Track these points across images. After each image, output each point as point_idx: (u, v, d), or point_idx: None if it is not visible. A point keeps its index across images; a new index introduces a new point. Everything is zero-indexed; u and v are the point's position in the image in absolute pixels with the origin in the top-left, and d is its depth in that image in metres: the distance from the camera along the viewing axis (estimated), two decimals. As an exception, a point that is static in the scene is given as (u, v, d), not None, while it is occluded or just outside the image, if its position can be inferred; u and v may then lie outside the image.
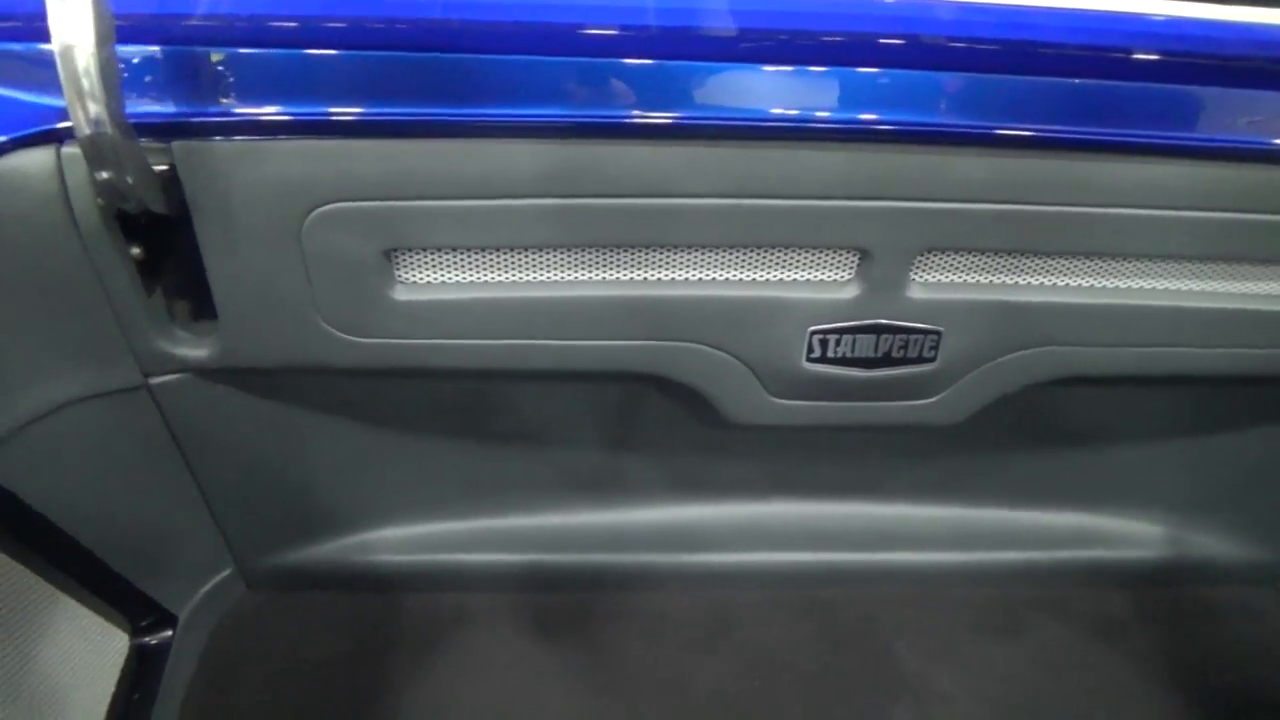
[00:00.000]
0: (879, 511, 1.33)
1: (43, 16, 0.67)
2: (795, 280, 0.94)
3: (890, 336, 0.97)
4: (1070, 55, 0.82)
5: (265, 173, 0.80)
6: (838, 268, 0.93)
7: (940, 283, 0.95)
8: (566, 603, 1.30)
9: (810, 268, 0.93)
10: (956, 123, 0.84)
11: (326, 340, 0.92)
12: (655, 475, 1.26)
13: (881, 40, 0.81)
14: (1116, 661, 1.29)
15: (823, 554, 1.32)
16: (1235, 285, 1.00)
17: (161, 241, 0.89)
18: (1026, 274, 0.96)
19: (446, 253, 0.89)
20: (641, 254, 0.91)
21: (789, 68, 0.81)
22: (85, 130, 0.71)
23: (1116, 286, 0.98)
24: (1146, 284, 0.98)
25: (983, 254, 0.94)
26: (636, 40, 0.79)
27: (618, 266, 0.92)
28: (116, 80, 0.71)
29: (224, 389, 1.01)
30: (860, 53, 0.81)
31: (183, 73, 0.78)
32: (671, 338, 0.96)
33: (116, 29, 0.70)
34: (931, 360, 0.99)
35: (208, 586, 1.22)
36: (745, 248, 0.91)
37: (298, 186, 0.81)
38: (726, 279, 0.93)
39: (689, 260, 0.92)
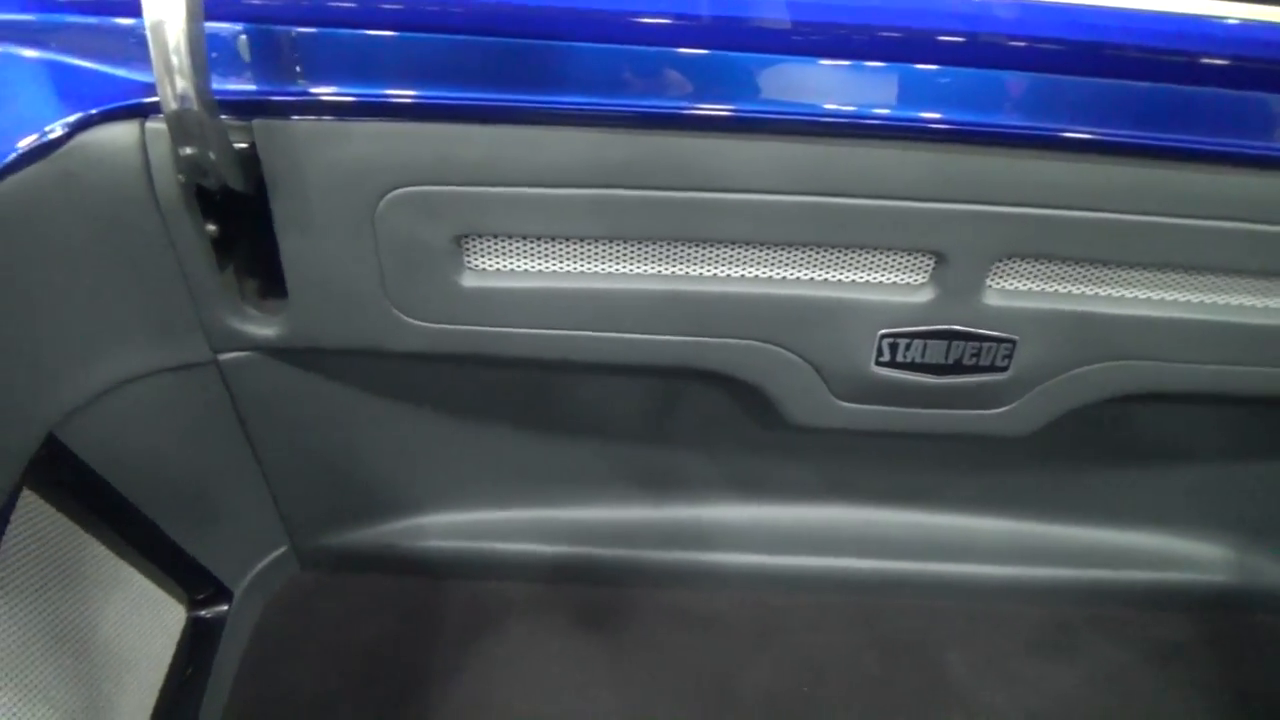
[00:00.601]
0: (935, 521, 1.31)
1: (135, -8, 0.68)
2: (867, 282, 0.92)
3: (962, 343, 0.95)
4: (1158, 59, 0.80)
5: (343, 154, 0.80)
6: (912, 271, 0.91)
7: (1017, 290, 0.93)
8: (613, 597, 1.29)
9: (883, 269, 0.91)
10: (1043, 125, 0.82)
11: (393, 324, 0.92)
12: (709, 473, 1.24)
13: (967, 39, 0.79)
14: (1175, 687, 1.25)
15: (875, 561, 1.30)
16: None
17: (235, 219, 0.90)
18: (1107, 284, 0.93)
19: (516, 240, 0.89)
20: (713, 249, 0.90)
21: (872, 64, 0.80)
22: (172, 105, 0.71)
23: (1200, 301, 0.95)
24: (1231, 299, 0.95)
25: (1063, 262, 0.91)
26: (716, 32, 0.78)
27: (687, 261, 0.90)
28: (204, 57, 0.72)
29: (289, 368, 1.02)
30: (945, 51, 0.79)
31: (267, 51, 0.78)
32: (738, 335, 0.94)
33: (204, 6, 0.71)
34: (1004, 369, 0.96)
35: (263, 563, 1.23)
36: (818, 247, 0.89)
37: (374, 169, 0.81)
38: (797, 278, 0.92)
39: (760, 257, 0.90)
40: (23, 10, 0.78)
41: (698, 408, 1.14)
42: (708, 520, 1.28)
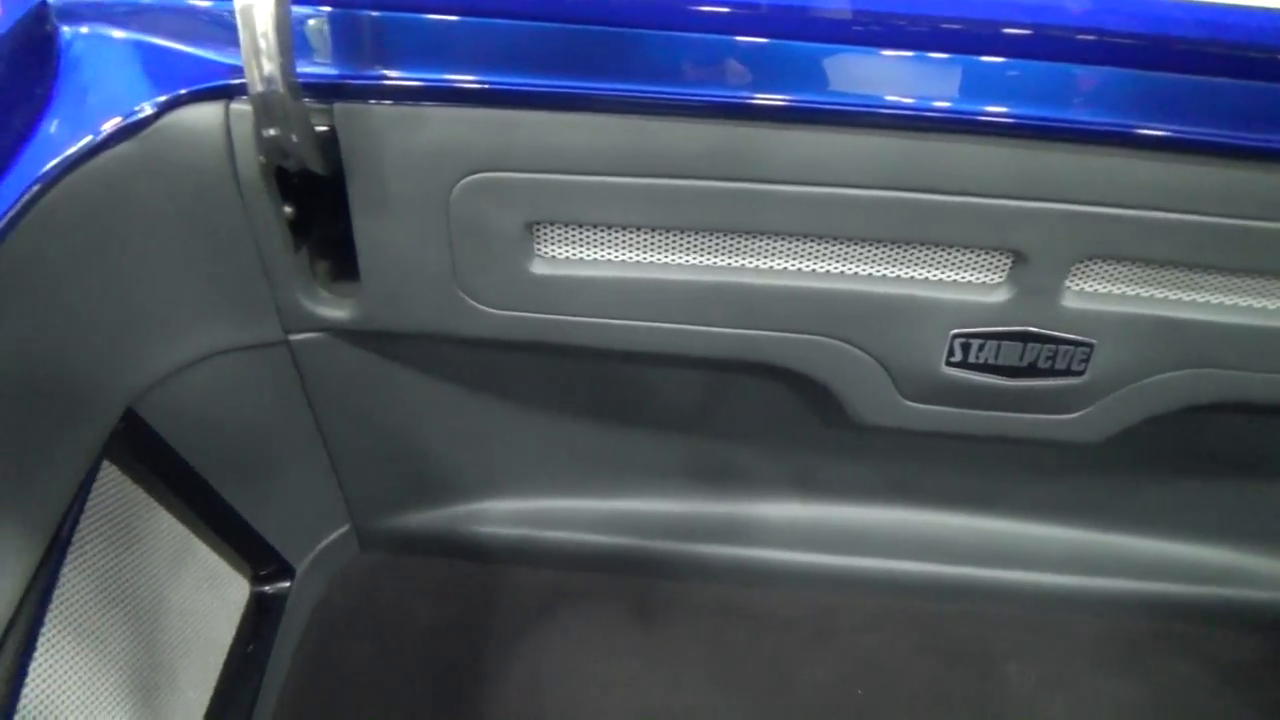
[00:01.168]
0: (997, 526, 1.28)
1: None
2: (941, 280, 0.90)
3: (1038, 346, 0.92)
4: (1253, 56, 0.77)
5: (420, 138, 0.81)
6: (988, 270, 0.89)
7: (1097, 293, 0.90)
8: (668, 591, 1.29)
9: (959, 268, 0.90)
10: (1132, 123, 0.79)
11: (462, 309, 0.93)
12: (768, 469, 1.23)
13: (1057, 32, 0.77)
14: (1242, 707, 1.21)
15: (935, 565, 1.27)
16: None
17: (311, 202, 0.91)
18: (1193, 289, 0.90)
19: (588, 229, 0.89)
20: (785, 243, 0.89)
21: (956, 56, 0.78)
22: (258, 87, 0.73)
23: None
24: None
25: (1147, 265, 0.88)
26: (795, 21, 0.77)
27: (758, 254, 0.90)
28: (290, 41, 0.73)
29: (357, 351, 1.03)
30: (1032, 44, 0.77)
31: (348, 35, 0.79)
32: (806, 331, 0.93)
33: None
34: (1080, 374, 0.94)
35: (324, 543, 1.25)
36: (893, 243, 0.88)
37: (450, 154, 0.82)
38: (869, 274, 0.90)
39: (832, 252, 0.89)
40: (113, -9, 0.80)
41: (760, 403, 1.13)
42: (765, 517, 1.27)
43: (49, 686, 0.77)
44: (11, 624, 0.71)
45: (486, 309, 0.93)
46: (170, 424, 0.95)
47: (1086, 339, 0.91)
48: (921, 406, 0.99)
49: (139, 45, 0.80)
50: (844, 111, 0.79)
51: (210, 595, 1.07)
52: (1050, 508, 1.27)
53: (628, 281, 0.90)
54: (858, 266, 0.90)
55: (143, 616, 0.92)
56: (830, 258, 0.89)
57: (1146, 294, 0.91)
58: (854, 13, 0.77)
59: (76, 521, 0.80)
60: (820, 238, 0.88)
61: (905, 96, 0.78)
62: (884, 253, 0.89)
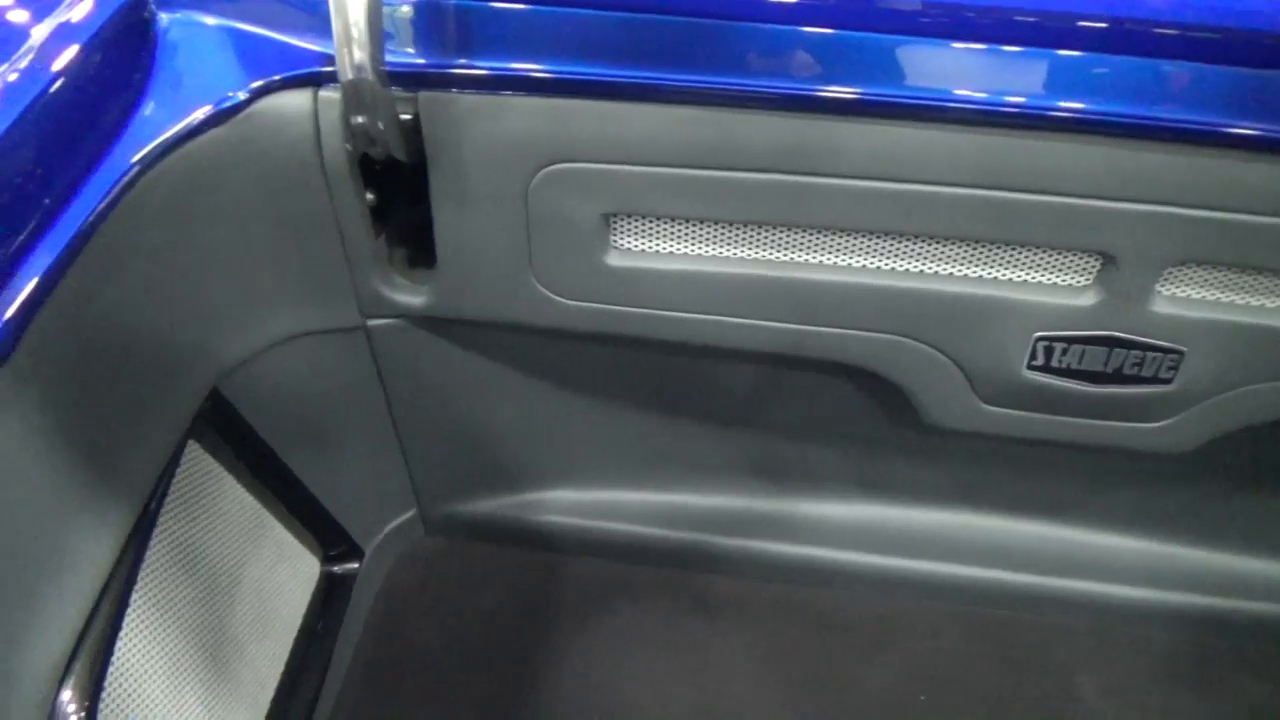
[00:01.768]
0: (1070, 535, 1.25)
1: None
2: (1025, 281, 0.88)
3: (1124, 351, 0.90)
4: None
5: (502, 128, 0.81)
6: (1076, 272, 0.87)
7: (1190, 298, 0.87)
8: (729, 587, 1.28)
9: (1045, 269, 0.87)
10: (1232, 122, 0.76)
11: (537, 299, 0.93)
12: (835, 469, 1.22)
13: (1151, 27, 0.74)
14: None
15: (1004, 572, 1.25)
16: None
17: (390, 190, 0.92)
18: None
19: (665, 222, 0.88)
20: (864, 239, 0.87)
21: (1042, 50, 0.76)
22: (348, 75, 0.74)
23: None
24: None
25: (1243, 271, 0.85)
26: (882, 16, 0.76)
27: (837, 251, 0.88)
28: (381, 29, 0.73)
29: (431, 338, 1.04)
30: (1125, 39, 0.75)
31: (434, 24, 0.79)
32: (883, 330, 0.92)
33: None
34: (1167, 381, 0.91)
35: (392, 526, 1.27)
36: (975, 242, 0.86)
37: (531, 144, 0.82)
38: (951, 274, 0.89)
39: (911, 250, 0.88)
40: (205, -22, 0.82)
41: (826, 401, 1.11)
42: (827, 516, 1.26)
43: (135, 656, 0.79)
44: (101, 597, 0.73)
45: (560, 299, 0.93)
46: (250, 404, 0.97)
47: (1176, 346, 0.89)
48: (999, 410, 0.96)
49: (232, 32, 0.82)
50: (926, 106, 0.77)
51: (284, 573, 1.09)
52: (1123, 518, 1.23)
53: (701, 275, 0.90)
54: (937, 266, 0.88)
55: (221, 591, 0.94)
56: (909, 256, 0.88)
57: (1241, 301, 0.87)
58: (935, 4, 0.75)
59: (164, 496, 0.83)
60: (899, 235, 0.86)
61: (989, 91, 0.76)
62: (965, 252, 0.87)
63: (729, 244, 0.89)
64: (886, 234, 0.86)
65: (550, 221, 0.87)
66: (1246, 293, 0.87)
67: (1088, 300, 0.87)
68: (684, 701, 1.16)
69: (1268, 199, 0.79)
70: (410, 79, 0.80)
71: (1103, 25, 0.74)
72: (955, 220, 0.83)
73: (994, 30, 0.75)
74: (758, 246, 0.89)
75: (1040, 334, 0.89)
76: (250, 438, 0.98)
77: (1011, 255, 0.87)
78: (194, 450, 0.90)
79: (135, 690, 0.78)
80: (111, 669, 0.74)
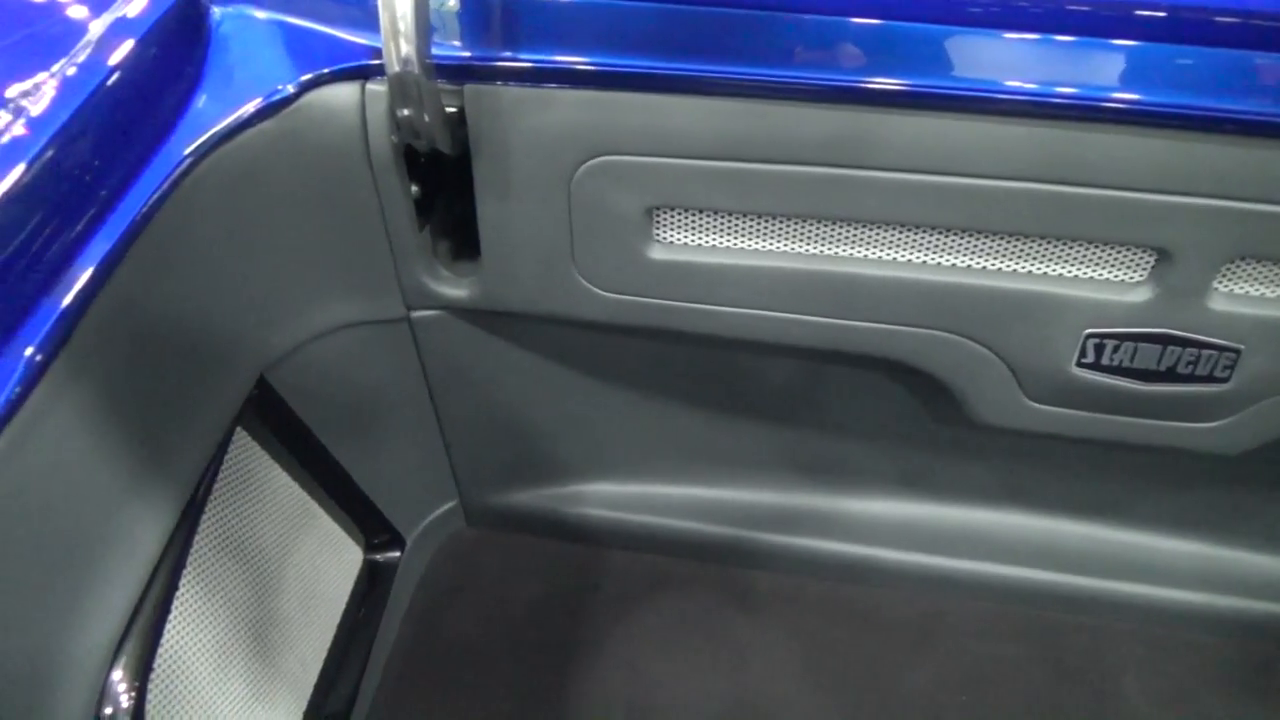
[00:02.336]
0: (1119, 537, 1.22)
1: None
2: (1077, 277, 0.86)
3: (1178, 349, 0.87)
4: None
5: (546, 120, 0.82)
6: (1129, 267, 0.85)
7: (1249, 295, 0.85)
8: (770, 583, 1.28)
9: (1097, 264, 0.85)
10: (1296, 114, 0.74)
11: (579, 292, 0.93)
12: (878, 465, 1.21)
13: (1206, 15, 0.72)
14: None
15: (1050, 573, 1.23)
16: None
17: (435, 182, 0.93)
18: None
19: (707, 215, 0.88)
20: (910, 234, 0.86)
21: (1094, 40, 0.74)
22: (395, 68, 0.74)
23: None
24: None
25: None
26: (932, 6, 0.74)
27: (883, 245, 0.87)
28: (428, 22, 0.74)
29: (474, 329, 1.05)
30: (1183, 29, 0.73)
31: (479, 17, 0.80)
32: (929, 326, 0.91)
33: None
34: (1224, 380, 0.89)
35: (433, 515, 1.28)
36: (1025, 237, 0.84)
37: (574, 136, 0.82)
38: (999, 269, 0.87)
39: (961, 245, 0.86)
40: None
41: (870, 396, 1.10)
42: (871, 513, 1.25)
43: (183, 639, 0.81)
44: (151, 581, 0.75)
45: (603, 292, 0.93)
46: (296, 393, 0.98)
47: (1233, 344, 0.86)
48: (1047, 408, 0.95)
49: (282, 26, 0.83)
50: (975, 97, 0.76)
51: (327, 561, 1.11)
52: (1175, 520, 1.20)
53: (745, 269, 0.89)
54: (985, 260, 0.87)
55: (267, 577, 0.96)
56: (955, 250, 0.86)
57: None
58: (997, -3, 0.74)
59: (212, 483, 0.84)
60: (946, 229, 0.85)
61: (1040, 82, 0.75)
62: (1015, 247, 0.86)
63: (772, 237, 0.88)
64: (932, 228, 0.85)
65: (593, 214, 0.87)
66: None
67: (1141, 296, 0.85)
68: (722, 696, 1.16)
69: None
70: (455, 72, 0.81)
71: (1156, 14, 0.72)
72: (1004, 214, 0.82)
73: (1044, 20, 0.73)
74: (801, 240, 0.88)
75: (1090, 331, 0.87)
76: (296, 426, 0.99)
77: (1062, 250, 0.85)
78: (241, 438, 0.92)
79: (183, 671, 0.80)
80: (160, 650, 0.76)
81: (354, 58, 0.81)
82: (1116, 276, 0.86)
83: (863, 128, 0.78)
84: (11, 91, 0.68)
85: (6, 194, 0.62)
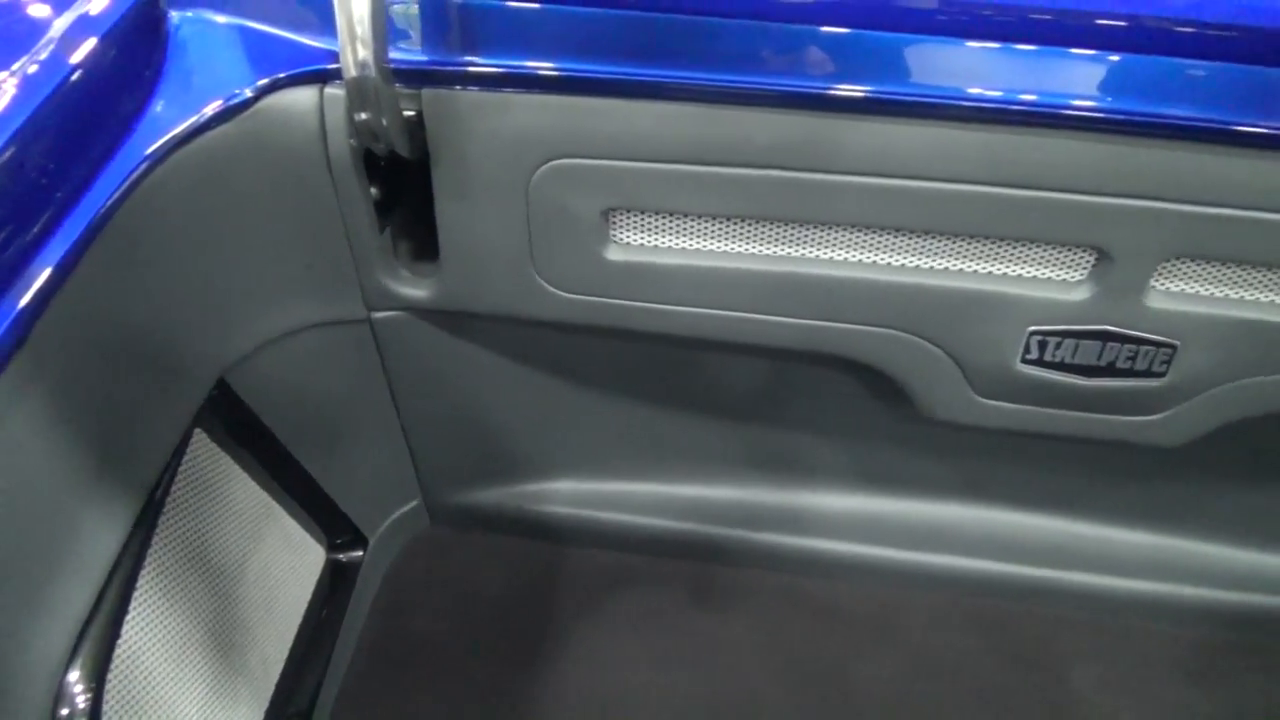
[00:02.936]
0: (1070, 528, 1.26)
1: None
2: (1020, 276, 0.89)
3: (1117, 345, 0.90)
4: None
5: (503, 124, 0.83)
6: (1070, 267, 0.88)
7: (1184, 293, 0.88)
8: (732, 578, 1.30)
9: (1039, 264, 0.88)
10: (1228, 119, 0.77)
11: (538, 293, 0.95)
12: (836, 461, 1.23)
13: (1147, 23, 0.75)
14: (1325, 727, 1.17)
15: (1003, 565, 1.26)
16: None
17: (395, 185, 0.94)
18: None
19: (663, 217, 0.90)
20: (860, 235, 0.88)
21: (1039, 48, 0.76)
22: (352, 72, 0.75)
23: None
24: None
25: (1238, 265, 0.86)
26: (875, 11, 0.76)
27: (833, 245, 0.89)
28: (385, 27, 0.75)
29: (435, 330, 1.06)
30: (1121, 36, 0.75)
31: (437, 22, 0.81)
32: (879, 324, 0.93)
33: None
34: (1161, 375, 0.92)
35: (396, 515, 1.29)
36: (972, 237, 0.87)
37: (532, 140, 0.83)
38: (945, 268, 0.89)
39: (909, 245, 0.89)
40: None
41: (827, 394, 1.13)
42: (829, 508, 1.27)
43: (141, 641, 0.81)
44: (108, 582, 0.75)
45: (561, 293, 0.94)
46: (257, 395, 0.98)
47: (1170, 340, 0.89)
48: (994, 403, 0.97)
49: (241, 30, 0.84)
50: (923, 103, 0.78)
51: (289, 561, 1.11)
52: (1125, 511, 1.24)
53: (700, 270, 0.91)
54: (934, 260, 0.89)
55: (227, 577, 0.96)
56: (906, 251, 0.89)
57: (1235, 295, 0.88)
58: (939, 4, 0.76)
59: (170, 485, 0.85)
60: (896, 231, 0.87)
61: (986, 89, 0.77)
62: (962, 247, 0.88)
63: (727, 239, 0.90)
64: (882, 229, 0.87)
65: (551, 216, 0.89)
66: (1240, 287, 0.88)
67: (1081, 295, 0.88)
68: (687, 690, 1.18)
69: (1262, 194, 0.79)
70: (414, 76, 0.82)
71: (1096, 22, 0.75)
72: (950, 216, 0.84)
73: (990, 27, 0.76)
74: (756, 242, 0.90)
75: (1034, 328, 0.90)
76: (256, 428, 1.00)
77: (1006, 250, 0.88)
78: (201, 440, 0.92)
79: (142, 672, 0.80)
80: (118, 653, 0.76)
81: (312, 62, 0.81)
82: (1058, 276, 0.89)
83: (814, 132, 0.80)
84: (-35, 93, 0.68)
85: (-38, 195, 0.63)
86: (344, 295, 0.98)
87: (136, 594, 0.80)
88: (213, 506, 0.95)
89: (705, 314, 0.94)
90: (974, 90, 0.77)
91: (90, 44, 0.74)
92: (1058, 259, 0.88)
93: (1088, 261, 0.87)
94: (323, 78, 0.82)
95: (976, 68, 0.78)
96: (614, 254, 0.91)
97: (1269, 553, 1.24)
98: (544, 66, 0.81)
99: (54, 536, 0.69)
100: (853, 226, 0.88)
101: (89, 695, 0.70)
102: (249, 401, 0.97)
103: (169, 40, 0.83)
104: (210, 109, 0.79)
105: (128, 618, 0.78)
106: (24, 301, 0.64)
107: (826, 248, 0.90)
